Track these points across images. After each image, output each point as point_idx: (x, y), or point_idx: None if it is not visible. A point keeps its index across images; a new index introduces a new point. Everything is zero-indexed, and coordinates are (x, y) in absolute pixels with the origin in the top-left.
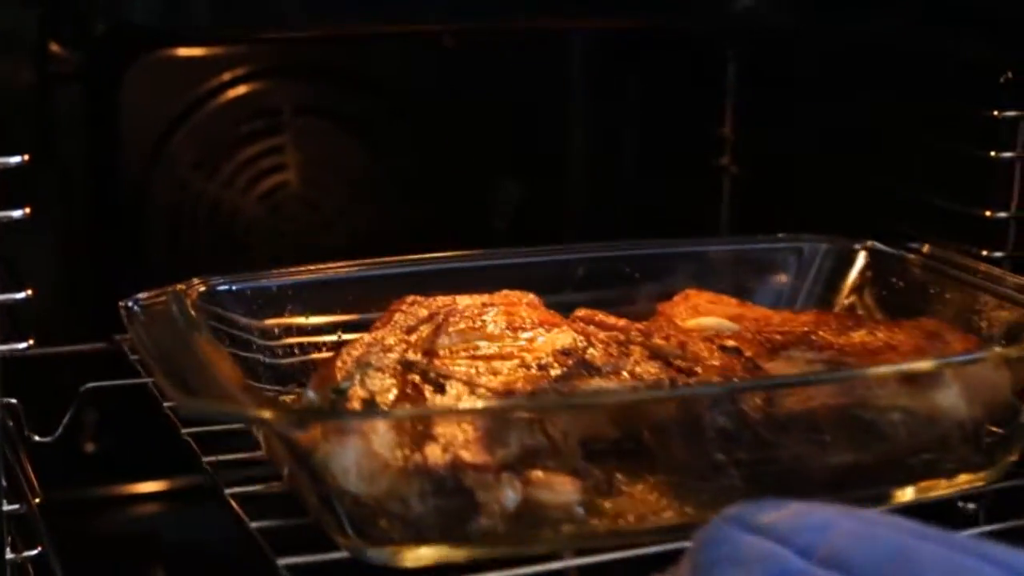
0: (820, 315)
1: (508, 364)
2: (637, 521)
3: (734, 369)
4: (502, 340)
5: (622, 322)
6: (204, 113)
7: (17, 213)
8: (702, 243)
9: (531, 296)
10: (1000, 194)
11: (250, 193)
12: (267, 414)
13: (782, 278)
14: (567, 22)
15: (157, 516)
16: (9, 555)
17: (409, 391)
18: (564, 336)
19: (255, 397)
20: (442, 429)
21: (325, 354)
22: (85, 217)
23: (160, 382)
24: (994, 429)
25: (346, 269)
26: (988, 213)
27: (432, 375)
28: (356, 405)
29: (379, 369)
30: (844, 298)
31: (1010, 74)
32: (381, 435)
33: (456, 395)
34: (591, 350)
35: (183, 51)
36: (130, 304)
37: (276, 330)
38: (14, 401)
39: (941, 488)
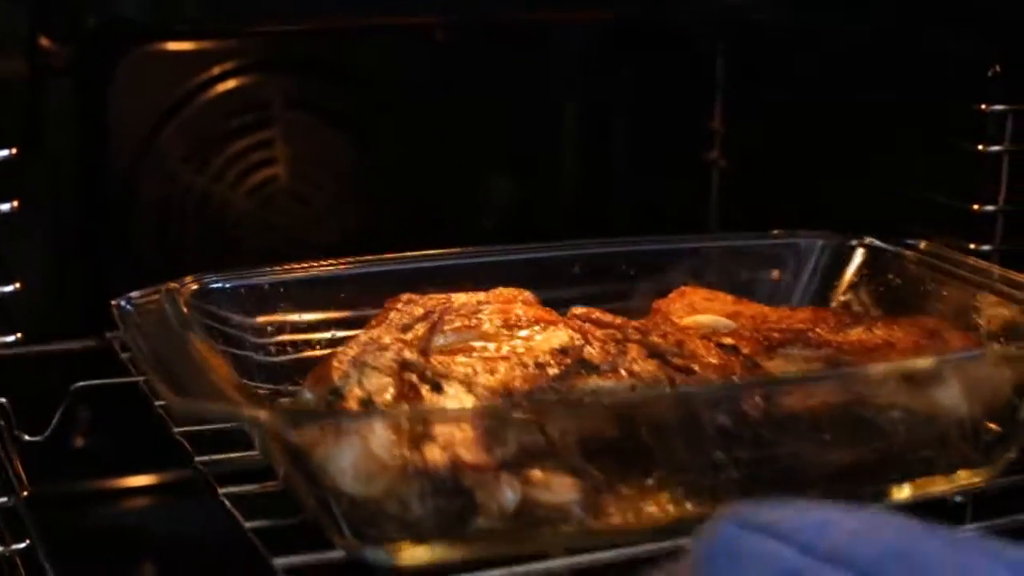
0: (817, 312)
1: (505, 363)
2: (636, 521)
3: (732, 367)
4: (498, 338)
5: (619, 320)
6: (194, 107)
7: (5, 207)
8: (698, 239)
9: (526, 294)
10: (988, 188)
11: (240, 187)
12: (263, 415)
13: (778, 274)
14: (559, 15)
15: (146, 510)
16: None
17: (406, 391)
18: (561, 334)
19: (250, 397)
20: (440, 429)
21: (319, 352)
22: (74, 211)
23: (155, 383)
24: (993, 427)
25: (339, 267)
26: (976, 207)
27: (429, 374)
28: (353, 405)
29: (376, 368)
30: (841, 295)
31: (997, 68)
32: (379, 435)
33: (454, 395)
34: (588, 348)
35: (173, 45)
36: (122, 303)
37: (269, 328)
38: (3, 400)
39: (940, 485)
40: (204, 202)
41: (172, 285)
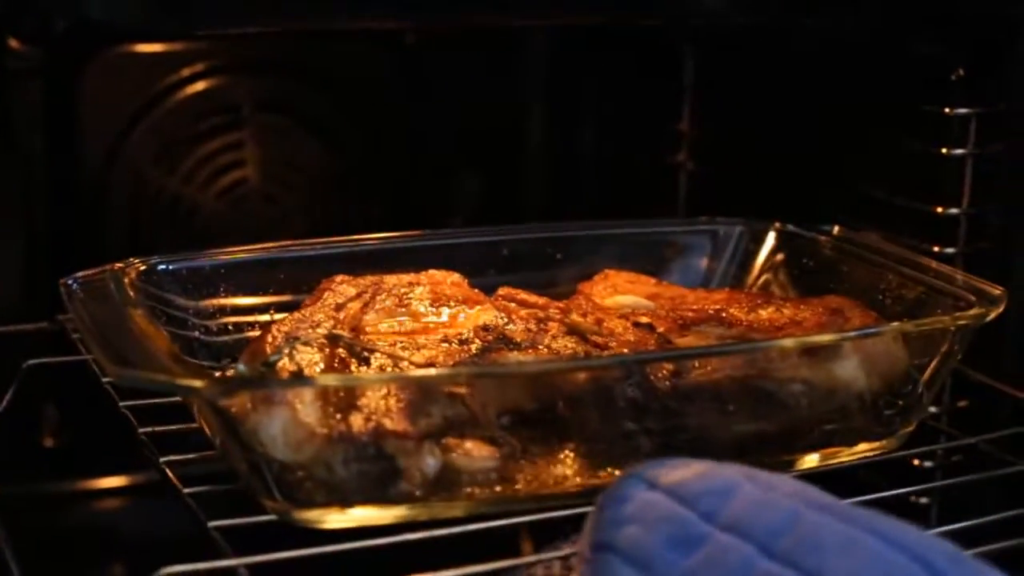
0: (732, 294)
1: (431, 339)
2: (551, 486)
3: (647, 344)
4: (426, 317)
5: (542, 300)
6: (163, 109)
7: None
8: (622, 225)
9: (456, 276)
10: (951, 191)
11: (210, 189)
12: (196, 383)
13: (699, 259)
14: (528, 19)
15: (115, 511)
16: None
17: (336, 364)
18: (486, 314)
19: (187, 368)
20: (366, 399)
21: (258, 332)
22: (45, 212)
23: (95, 353)
24: (894, 401)
25: (279, 249)
26: (940, 209)
27: (358, 349)
28: (285, 377)
29: (307, 344)
30: (756, 277)
31: (961, 71)
32: (307, 405)
33: (380, 368)
34: (510, 326)
35: (142, 47)
36: (69, 282)
37: (211, 309)
38: None
39: (843, 456)
40: (175, 204)
41: (118, 265)
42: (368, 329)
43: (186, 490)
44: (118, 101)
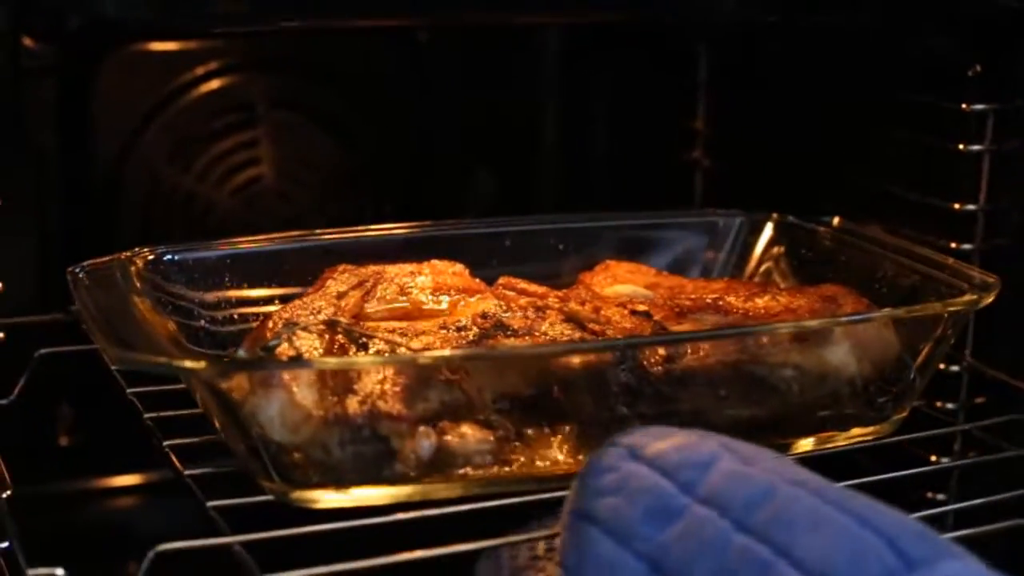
0: (731, 283)
1: (429, 326)
2: (546, 469)
3: (643, 331)
4: (427, 306)
5: (542, 289)
6: (178, 107)
7: None
8: (624, 217)
9: (458, 266)
10: (969, 187)
11: (224, 187)
12: (194, 364)
13: (699, 249)
14: (540, 17)
15: (130, 510)
16: None
17: (334, 350)
18: (486, 302)
19: (186, 352)
20: (362, 383)
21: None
22: (59, 210)
23: (98, 338)
24: (886, 387)
25: (284, 240)
26: (957, 206)
27: (356, 335)
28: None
29: (306, 329)
30: (755, 267)
31: (978, 68)
32: (304, 387)
33: (378, 353)
34: (508, 314)
35: (156, 45)
36: (76, 270)
37: (217, 299)
38: None
39: (839, 440)
40: (189, 202)
41: (125, 254)
42: (368, 317)
43: (187, 472)
44: (132, 99)
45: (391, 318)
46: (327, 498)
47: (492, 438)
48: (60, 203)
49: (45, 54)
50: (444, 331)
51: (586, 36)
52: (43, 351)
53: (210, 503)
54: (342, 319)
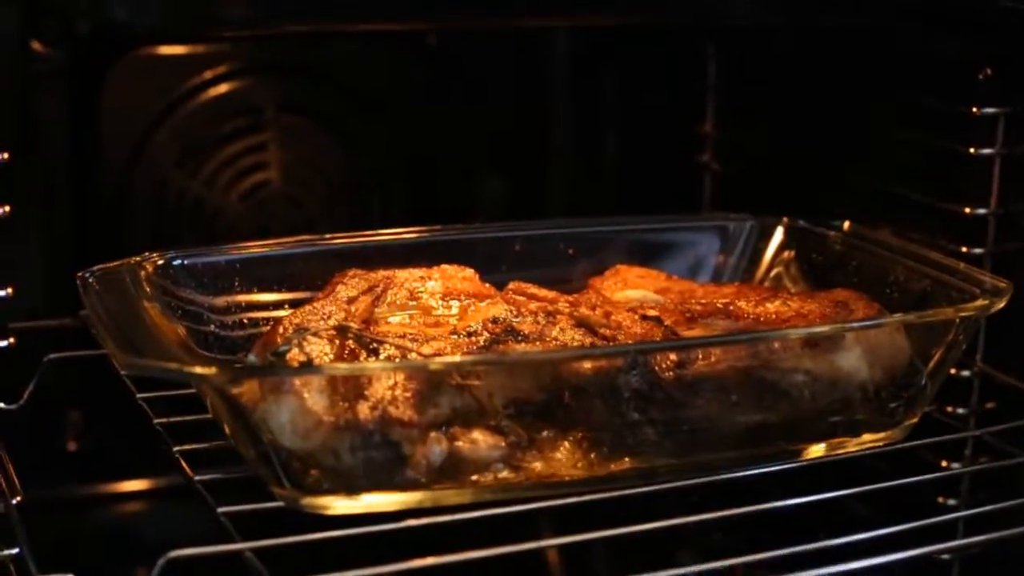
0: (742, 287)
1: (440, 331)
2: (558, 474)
3: (653, 337)
4: (437, 311)
5: (552, 294)
6: (186, 111)
7: None
8: (634, 221)
9: (468, 271)
10: (980, 191)
11: (232, 191)
12: (205, 371)
13: (709, 254)
14: (553, 20)
15: (138, 515)
16: None
17: (345, 355)
18: (496, 307)
19: (196, 358)
20: (372, 388)
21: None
22: (67, 215)
23: (107, 344)
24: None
25: (293, 245)
26: (968, 210)
27: (366, 340)
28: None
29: (316, 334)
30: (766, 271)
31: (989, 71)
32: (315, 393)
33: (388, 358)
34: (518, 319)
35: (165, 50)
36: (86, 275)
37: (226, 303)
38: None
39: (849, 446)
40: (197, 206)
41: (135, 259)
42: (379, 321)
43: (197, 477)
44: (141, 104)
45: (401, 323)
46: (338, 504)
47: (503, 444)
48: (69, 208)
49: (54, 59)
50: (455, 336)
51: (595, 40)
52: (52, 356)
53: (220, 509)
54: (352, 324)
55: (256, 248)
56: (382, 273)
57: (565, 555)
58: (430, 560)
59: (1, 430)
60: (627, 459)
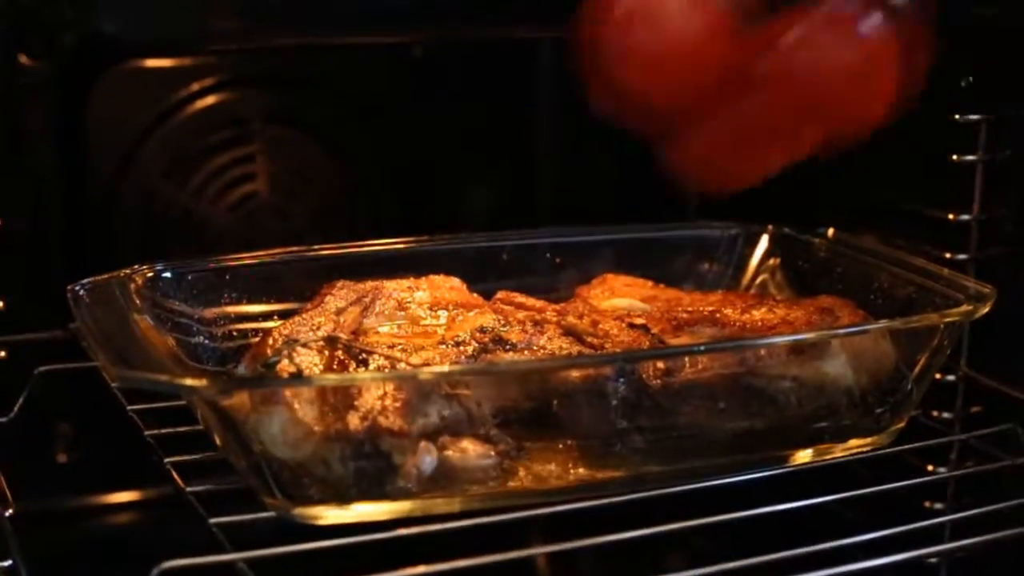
0: (727, 295)
1: (428, 342)
2: (547, 482)
3: (640, 345)
4: (425, 321)
5: (539, 303)
6: (174, 123)
7: None
8: (621, 230)
9: (455, 280)
10: (963, 197)
11: (220, 203)
12: (196, 383)
13: (695, 261)
14: (538, 31)
15: (130, 526)
16: None
17: (334, 366)
18: (484, 317)
19: (187, 370)
20: (362, 399)
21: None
22: (56, 227)
23: (98, 356)
24: (884, 398)
25: (283, 256)
26: (951, 216)
27: (356, 351)
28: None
29: (306, 346)
30: (751, 279)
31: (971, 78)
32: (305, 404)
33: (378, 368)
34: (506, 328)
35: (151, 62)
36: (76, 288)
37: (216, 315)
38: None
39: (836, 452)
40: (186, 218)
41: (124, 272)
42: (367, 332)
43: (188, 488)
44: (128, 116)
45: (389, 333)
46: (329, 514)
47: (493, 452)
48: (57, 220)
49: (41, 72)
50: (443, 346)
51: None
52: (42, 368)
53: (212, 520)
54: (342, 335)
55: (245, 259)
56: (370, 284)
57: (555, 562)
58: (421, 569)
59: None
60: (616, 466)
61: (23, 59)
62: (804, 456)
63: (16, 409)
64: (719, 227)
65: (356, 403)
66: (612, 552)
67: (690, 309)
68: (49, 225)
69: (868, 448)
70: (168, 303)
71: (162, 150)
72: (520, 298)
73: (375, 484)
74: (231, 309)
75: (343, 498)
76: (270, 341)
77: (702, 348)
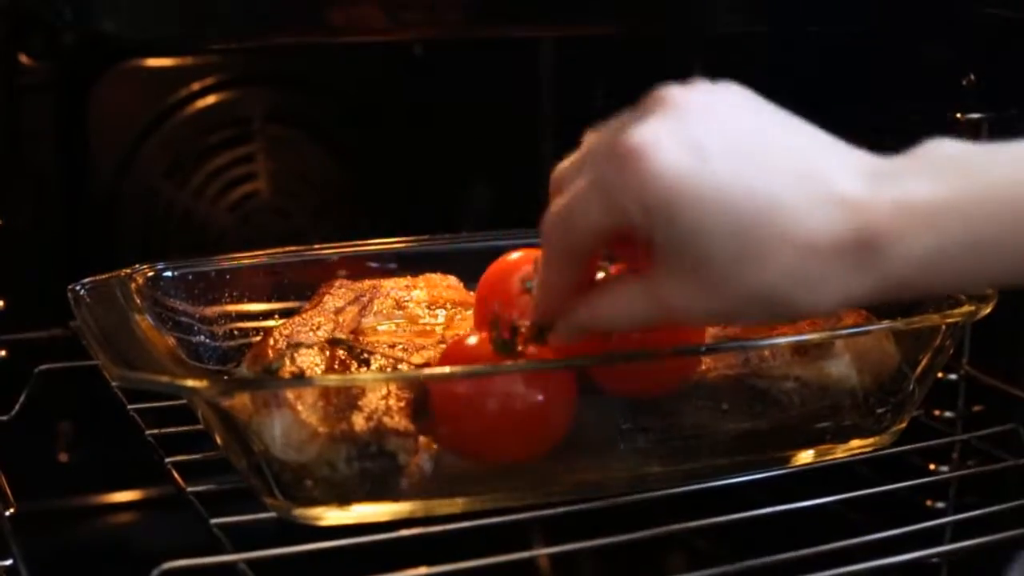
0: None
1: (428, 341)
2: (550, 483)
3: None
4: (423, 319)
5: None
6: (174, 123)
7: None
8: None
9: (452, 279)
10: None
11: (221, 202)
12: (197, 384)
13: None
14: (539, 30)
15: (131, 526)
16: None
17: (336, 367)
18: None
19: (188, 370)
20: (366, 399)
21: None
22: (57, 226)
23: (99, 356)
24: (886, 398)
25: (283, 255)
26: None
27: (358, 351)
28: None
29: (308, 347)
30: None
31: (972, 76)
32: (309, 406)
33: (380, 368)
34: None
35: (152, 61)
36: (77, 287)
37: (217, 314)
38: None
39: (838, 452)
40: (186, 217)
41: (125, 271)
42: (367, 331)
43: (189, 488)
44: (128, 115)
45: (388, 332)
46: (331, 515)
47: None
48: (57, 219)
49: (41, 71)
50: (443, 345)
51: (582, 49)
52: (43, 367)
53: (213, 520)
54: (344, 335)
55: (245, 259)
56: (368, 283)
57: (557, 563)
58: (422, 570)
59: None
60: (618, 467)
61: (23, 59)
62: (806, 457)
63: (16, 408)
64: None
65: (360, 403)
66: (614, 553)
67: None
68: (49, 225)
69: (870, 448)
70: (169, 302)
71: (162, 150)
72: None
73: (379, 484)
74: (232, 308)
75: (345, 499)
76: (271, 341)
77: (705, 348)
